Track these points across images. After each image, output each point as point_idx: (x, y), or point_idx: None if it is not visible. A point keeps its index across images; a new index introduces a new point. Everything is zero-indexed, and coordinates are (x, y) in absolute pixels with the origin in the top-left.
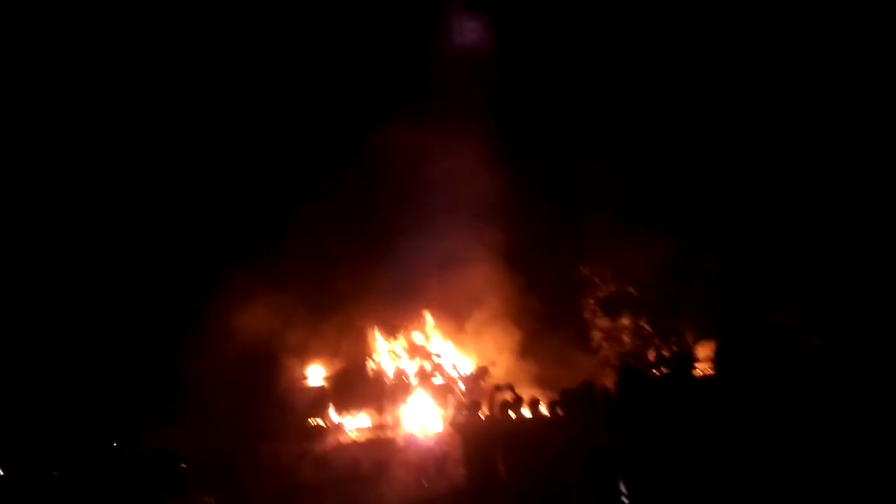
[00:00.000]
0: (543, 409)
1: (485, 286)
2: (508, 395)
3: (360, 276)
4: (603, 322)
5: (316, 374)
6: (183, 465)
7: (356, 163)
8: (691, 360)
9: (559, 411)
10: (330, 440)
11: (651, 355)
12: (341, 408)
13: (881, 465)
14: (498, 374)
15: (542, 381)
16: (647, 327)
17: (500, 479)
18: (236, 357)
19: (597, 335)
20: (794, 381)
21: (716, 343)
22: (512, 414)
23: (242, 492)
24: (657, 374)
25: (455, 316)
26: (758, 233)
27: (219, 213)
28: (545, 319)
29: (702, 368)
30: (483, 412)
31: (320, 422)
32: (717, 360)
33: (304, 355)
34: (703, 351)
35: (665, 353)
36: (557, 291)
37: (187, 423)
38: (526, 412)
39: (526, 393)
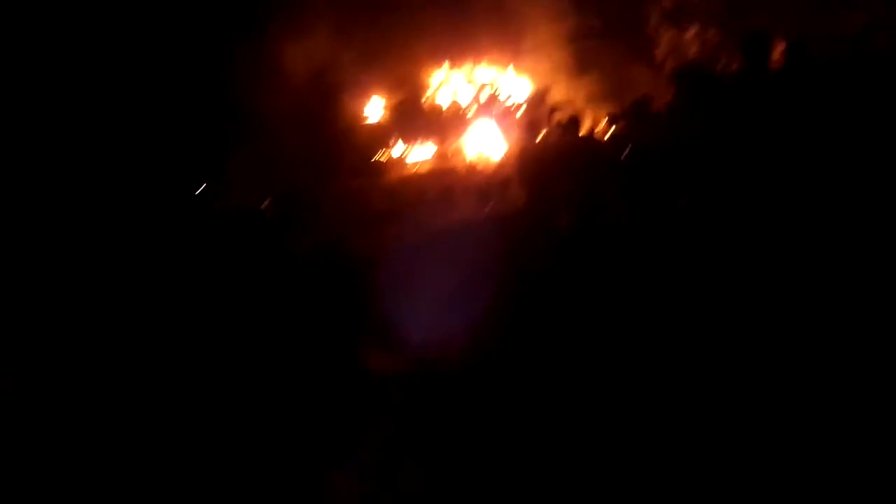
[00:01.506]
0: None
1: (541, 5)
2: (566, 116)
3: (412, 4)
4: (668, 34)
5: (376, 109)
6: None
7: None
8: (765, 63)
9: (617, 127)
10: (396, 173)
11: (720, 66)
12: (404, 140)
13: None
14: (556, 96)
15: (603, 101)
16: (715, 37)
17: (559, 199)
18: (294, 95)
19: (661, 49)
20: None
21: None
22: (571, 134)
23: (321, 228)
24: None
25: (509, 38)
26: None
27: None
28: (604, 35)
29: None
30: (543, 134)
31: (385, 156)
32: (784, 62)
33: (363, 90)
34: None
35: (735, 63)
36: (617, 3)
37: (255, 169)
38: (585, 131)
39: (586, 113)
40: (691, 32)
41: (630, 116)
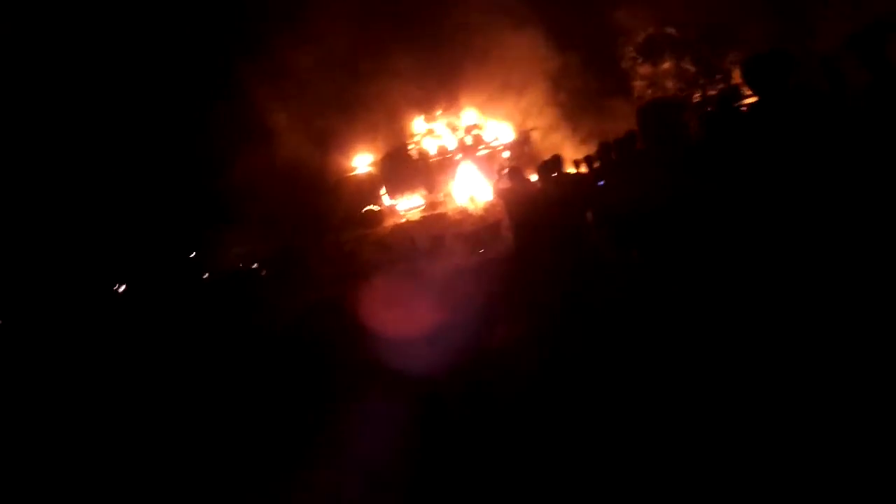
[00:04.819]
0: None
1: (518, 47)
2: (551, 156)
3: (391, 54)
4: (644, 69)
5: (363, 162)
6: (263, 272)
7: None
8: (738, 93)
9: (597, 164)
10: (386, 223)
11: (696, 96)
12: (392, 191)
13: None
14: (540, 136)
15: (585, 139)
16: (691, 68)
17: (548, 239)
18: (282, 157)
19: (639, 84)
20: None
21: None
22: (557, 174)
23: (313, 281)
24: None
25: (491, 83)
26: None
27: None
28: (584, 75)
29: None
30: (528, 176)
31: (374, 207)
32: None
33: (348, 145)
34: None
35: (712, 92)
36: (594, 43)
37: (249, 230)
38: (570, 170)
39: (570, 152)
40: (665, 65)
41: (610, 153)
